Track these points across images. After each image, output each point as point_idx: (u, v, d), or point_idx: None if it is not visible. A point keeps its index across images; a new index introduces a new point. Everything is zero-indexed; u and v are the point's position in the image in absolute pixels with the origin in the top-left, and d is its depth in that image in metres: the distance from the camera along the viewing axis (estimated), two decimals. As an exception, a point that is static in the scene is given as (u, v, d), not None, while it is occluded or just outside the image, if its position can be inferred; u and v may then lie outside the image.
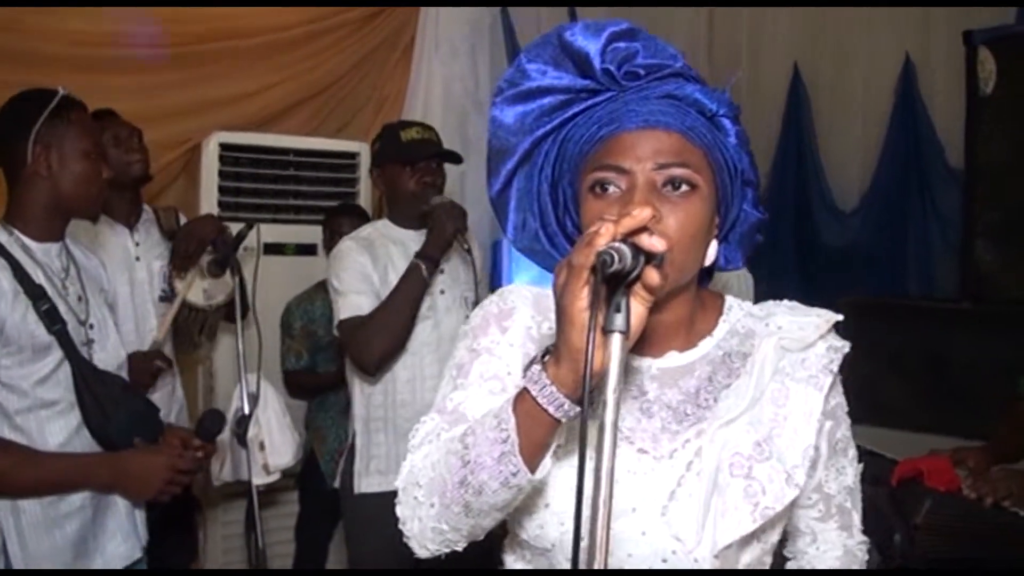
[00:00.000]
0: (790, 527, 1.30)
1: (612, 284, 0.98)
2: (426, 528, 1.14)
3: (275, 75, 3.71)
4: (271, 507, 3.58)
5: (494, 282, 4.29)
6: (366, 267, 2.71)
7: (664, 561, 1.15)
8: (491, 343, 1.27)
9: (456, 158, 2.88)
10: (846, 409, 1.28)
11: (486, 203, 4.10)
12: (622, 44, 1.16)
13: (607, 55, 1.16)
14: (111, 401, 2.12)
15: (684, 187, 1.14)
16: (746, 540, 1.15)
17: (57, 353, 2.05)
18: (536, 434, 1.05)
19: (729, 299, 1.32)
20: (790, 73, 5.21)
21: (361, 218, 3.53)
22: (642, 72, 1.16)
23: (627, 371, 1.23)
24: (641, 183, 1.13)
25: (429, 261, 2.63)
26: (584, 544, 1.09)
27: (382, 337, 2.64)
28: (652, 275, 0.98)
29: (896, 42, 4.93)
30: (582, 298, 0.97)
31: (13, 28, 3.13)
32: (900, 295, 4.69)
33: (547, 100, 1.21)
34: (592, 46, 1.15)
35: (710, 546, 1.13)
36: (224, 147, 3.56)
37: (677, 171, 1.14)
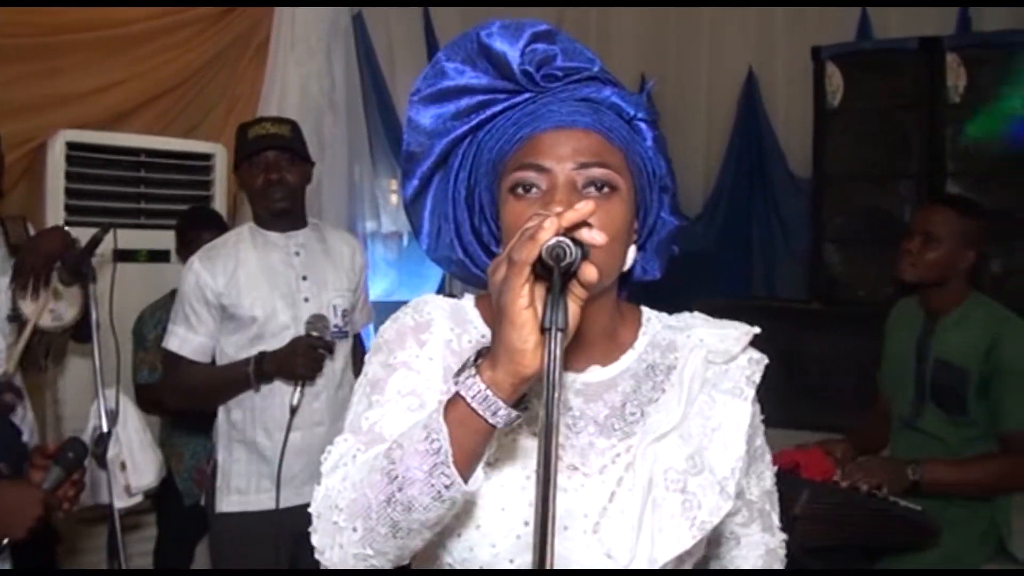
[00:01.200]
0: (714, 533, 1.27)
1: (554, 280, 0.94)
2: (347, 555, 1.04)
3: (124, 71, 3.51)
4: (133, 531, 3.36)
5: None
6: (204, 285, 2.64)
7: None
8: (409, 357, 1.20)
9: (297, 152, 2.72)
10: (761, 417, 1.29)
11: (340, 209, 4.02)
12: (541, 46, 1.14)
13: (526, 56, 1.13)
14: None
15: (605, 188, 1.12)
16: (682, 555, 1.14)
17: None
18: (470, 443, 0.99)
19: (646, 310, 1.30)
20: (636, 83, 5.36)
21: (218, 226, 3.36)
22: (560, 74, 1.14)
23: None
24: (562, 182, 1.11)
25: (263, 377, 2.60)
26: (522, 561, 1.10)
27: (183, 401, 2.86)
28: (590, 270, 0.96)
29: (739, 54, 5.16)
30: (524, 296, 0.93)
31: None
32: (748, 297, 4.88)
33: (464, 100, 1.18)
34: (511, 47, 1.13)
35: (646, 563, 1.10)
36: (71, 146, 3.33)
37: (597, 171, 1.12)
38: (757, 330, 1.25)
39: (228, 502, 2.66)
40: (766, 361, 1.25)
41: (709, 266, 5.29)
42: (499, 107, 1.17)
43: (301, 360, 2.56)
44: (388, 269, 4.84)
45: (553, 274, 0.94)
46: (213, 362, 2.71)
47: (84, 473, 2.13)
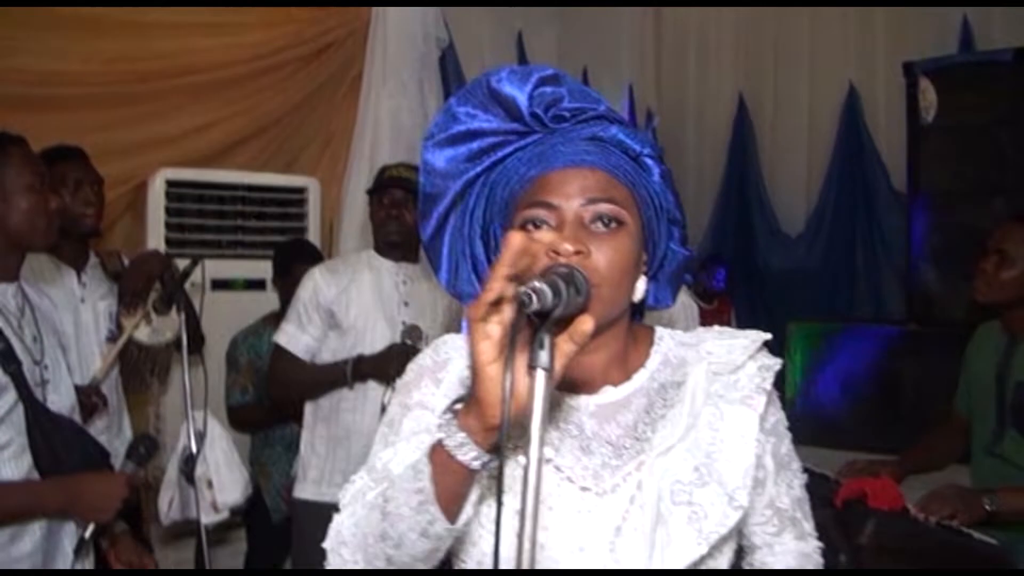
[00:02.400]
0: (746, 544, 1.30)
1: (539, 321, 0.98)
2: None
3: (222, 111, 3.70)
4: (220, 545, 3.53)
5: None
6: (320, 292, 2.92)
7: None
8: (424, 396, 1.26)
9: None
10: (786, 424, 1.29)
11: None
12: (548, 89, 1.19)
13: (534, 99, 1.19)
14: (63, 445, 2.08)
15: (612, 223, 1.16)
16: (695, 567, 1.16)
17: (12, 394, 2.01)
18: (451, 483, 1.04)
19: (659, 330, 1.32)
20: (736, 101, 5.32)
21: (312, 259, 3.51)
22: (568, 115, 1.19)
23: (565, 410, 1.24)
24: (570, 219, 1.16)
25: (359, 376, 2.85)
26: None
27: (280, 391, 3.08)
28: (587, 323, 0.99)
29: (839, 71, 5.06)
30: (486, 352, 0.98)
31: (-44, 69, 3.11)
32: (846, 317, 4.76)
33: (476, 143, 1.23)
34: (520, 91, 1.18)
35: None
36: (170, 183, 3.55)
37: (604, 207, 1.16)
38: (767, 336, 1.26)
39: (302, 489, 2.95)
40: (778, 366, 1.25)
41: (811, 285, 5.20)
42: (510, 148, 1.23)
43: (395, 364, 2.72)
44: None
45: (516, 318, 0.96)
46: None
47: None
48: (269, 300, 3.63)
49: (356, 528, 1.13)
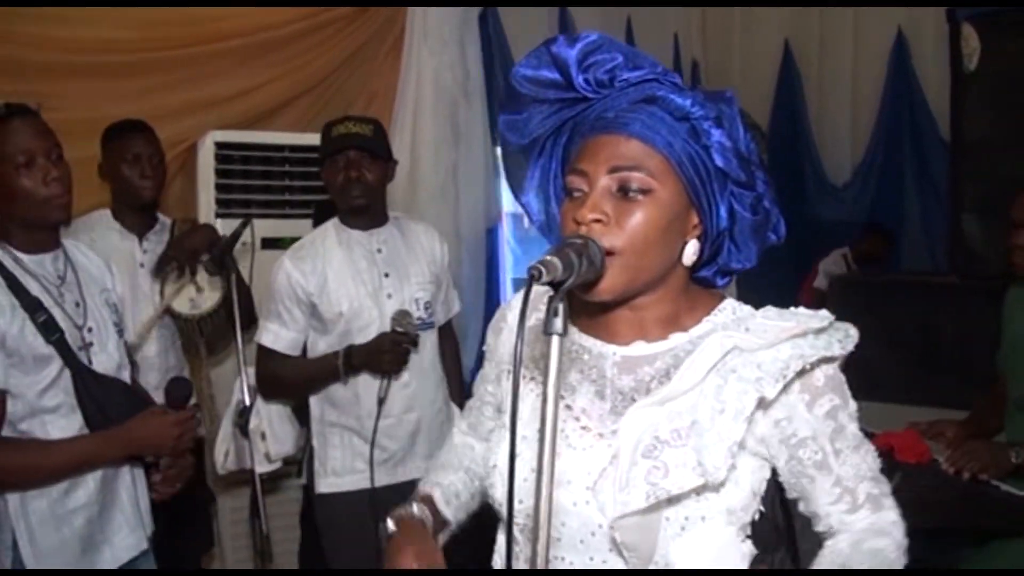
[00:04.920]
0: (824, 527, 1.31)
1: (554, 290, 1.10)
2: None
3: (266, 73, 3.76)
4: (275, 493, 3.67)
5: (490, 270, 4.38)
6: (296, 285, 2.78)
7: (592, 535, 1.25)
8: (487, 348, 1.52)
9: (376, 152, 2.79)
10: (851, 410, 1.27)
11: (478, 193, 4.15)
12: (601, 55, 1.24)
13: (587, 66, 1.25)
14: (113, 405, 2.17)
15: (636, 191, 1.21)
16: (650, 520, 1.20)
17: (57, 362, 2.10)
18: None
19: (727, 302, 1.33)
20: (781, 50, 5.26)
21: None
22: (620, 79, 1.25)
23: (593, 356, 1.34)
24: (597, 187, 1.22)
25: (351, 369, 2.74)
26: (525, 506, 1.25)
27: (274, 392, 2.96)
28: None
29: (887, 17, 4.97)
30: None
31: (4, 38, 3.20)
32: (889, 270, 4.74)
33: (544, 107, 1.31)
34: (572, 58, 1.24)
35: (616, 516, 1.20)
36: (219, 145, 3.62)
37: (629, 175, 1.21)
38: (819, 323, 1.23)
39: (326, 483, 2.87)
40: (818, 356, 1.21)
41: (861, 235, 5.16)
42: (574, 111, 1.30)
43: (387, 356, 2.69)
44: (528, 246, 5.03)
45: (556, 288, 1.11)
46: (304, 354, 2.88)
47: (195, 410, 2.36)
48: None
49: None
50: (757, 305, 1.31)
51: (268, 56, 3.74)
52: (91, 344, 2.20)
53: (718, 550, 1.24)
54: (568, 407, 1.31)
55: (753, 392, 1.20)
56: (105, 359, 2.23)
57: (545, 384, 1.09)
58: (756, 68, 5.37)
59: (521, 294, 1.41)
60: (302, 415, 3.58)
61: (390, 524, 1.38)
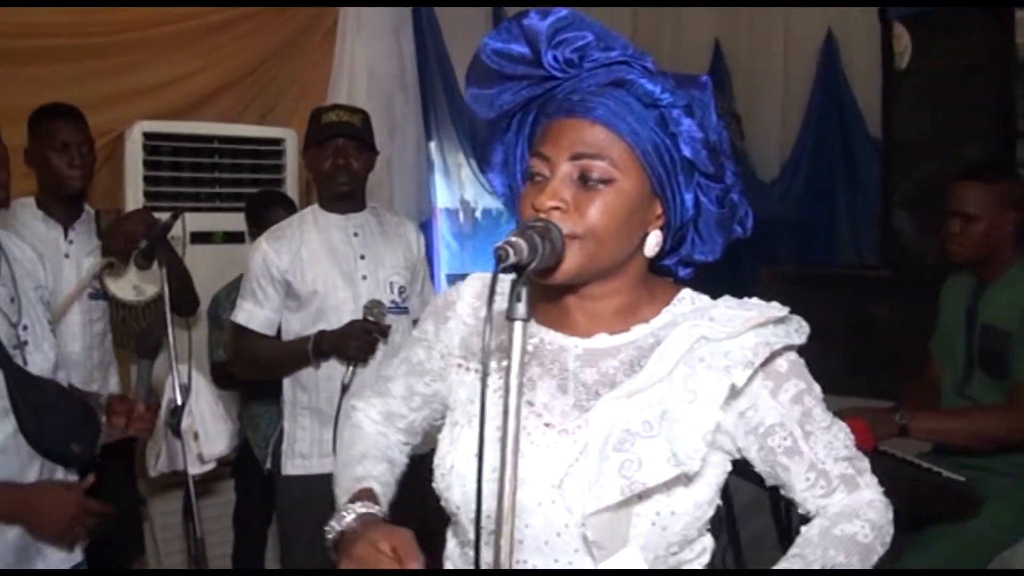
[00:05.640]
0: (803, 512, 1.30)
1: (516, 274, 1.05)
2: None
3: (196, 62, 3.66)
4: (208, 496, 3.57)
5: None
6: (271, 263, 2.79)
7: (558, 535, 1.20)
8: (423, 334, 1.43)
9: (365, 141, 2.86)
10: (815, 393, 1.27)
11: (412, 187, 4.09)
12: (571, 33, 1.20)
13: (557, 43, 1.20)
14: (45, 406, 2.06)
15: (597, 181, 1.17)
16: (621, 517, 1.17)
17: None
18: None
19: (684, 292, 1.32)
20: (711, 48, 5.31)
21: (285, 206, 3.52)
22: (590, 60, 1.20)
23: (554, 349, 1.29)
24: (558, 173, 1.18)
25: (321, 354, 2.75)
26: (486, 507, 1.15)
27: (248, 372, 3.03)
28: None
29: (817, 17, 5.05)
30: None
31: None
32: (822, 264, 4.81)
33: (511, 84, 1.26)
34: (543, 34, 1.19)
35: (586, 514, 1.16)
36: (147, 136, 3.51)
37: (591, 163, 1.17)
38: (780, 313, 1.23)
39: (292, 466, 2.86)
40: (783, 343, 1.21)
41: (790, 232, 5.22)
42: (541, 89, 1.25)
43: (355, 343, 2.69)
44: (464, 242, 4.97)
45: (519, 272, 1.06)
46: (278, 335, 2.88)
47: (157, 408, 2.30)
48: (248, 252, 3.63)
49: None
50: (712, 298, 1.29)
51: (198, 44, 3.65)
52: (26, 343, 2.08)
53: (683, 545, 1.23)
54: (530, 403, 1.25)
55: (724, 379, 1.18)
56: (40, 359, 2.11)
57: (507, 375, 1.04)
58: (686, 67, 5.40)
59: (467, 281, 1.40)
60: (249, 408, 3.54)
61: (349, 522, 1.30)
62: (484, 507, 1.15)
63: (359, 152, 2.81)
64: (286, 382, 2.89)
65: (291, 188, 3.82)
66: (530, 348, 1.29)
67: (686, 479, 1.18)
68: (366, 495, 1.36)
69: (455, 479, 1.25)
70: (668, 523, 1.18)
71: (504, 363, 1.08)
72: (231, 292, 3.54)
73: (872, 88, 4.63)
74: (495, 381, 1.24)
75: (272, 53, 3.90)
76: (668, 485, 1.17)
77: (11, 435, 2.02)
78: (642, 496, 1.16)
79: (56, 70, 3.32)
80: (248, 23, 3.77)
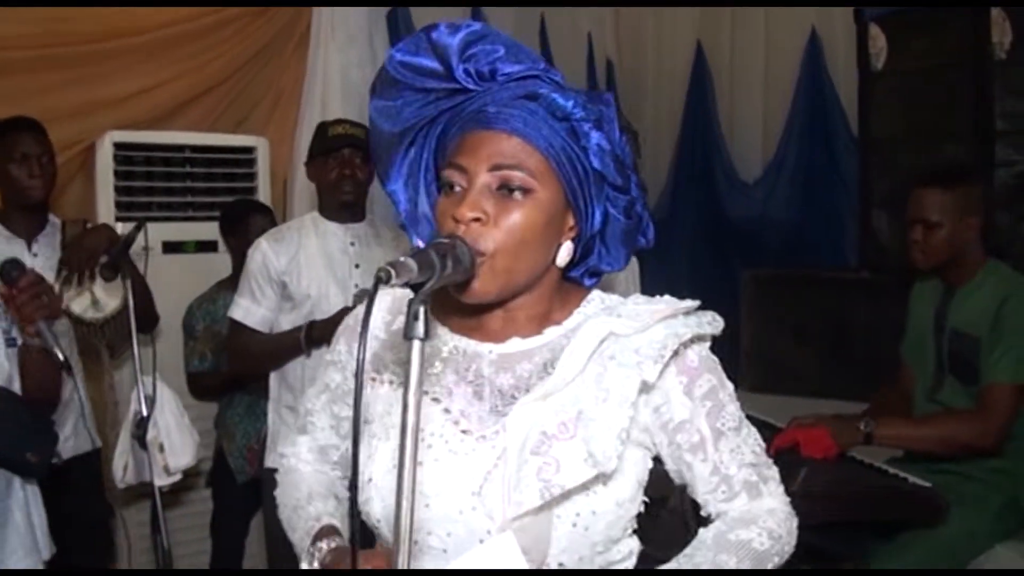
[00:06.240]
0: (705, 514, 1.31)
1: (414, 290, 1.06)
2: None
3: (167, 71, 3.64)
4: (178, 507, 3.57)
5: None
6: (270, 264, 2.88)
7: (481, 541, 1.19)
8: (338, 355, 1.40)
9: (368, 153, 2.86)
10: (729, 391, 1.28)
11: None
12: (483, 46, 1.19)
13: (468, 56, 1.19)
14: None
15: (517, 192, 1.18)
16: (542, 520, 1.17)
17: None
18: None
19: (593, 294, 1.34)
20: (694, 49, 5.29)
21: (264, 214, 3.53)
22: (502, 73, 1.20)
23: (468, 356, 1.29)
24: (476, 184, 1.18)
25: (312, 343, 2.82)
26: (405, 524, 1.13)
27: (242, 365, 3.11)
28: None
29: (799, 18, 5.01)
30: None
31: None
32: (801, 265, 4.78)
33: (419, 96, 1.24)
34: (453, 48, 1.19)
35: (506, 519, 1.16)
36: (118, 146, 3.52)
37: (510, 174, 1.18)
38: (689, 305, 1.26)
39: (272, 459, 2.90)
40: (691, 333, 1.23)
41: (774, 233, 5.19)
42: (451, 103, 1.24)
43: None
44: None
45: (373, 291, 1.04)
46: None
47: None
48: (221, 261, 3.64)
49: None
50: (695, 299, 1.30)
51: (169, 53, 3.62)
52: None
53: (608, 545, 1.22)
54: (447, 411, 1.26)
55: (635, 376, 1.19)
56: None
57: (405, 392, 1.04)
58: (669, 67, 5.40)
59: (379, 296, 1.36)
60: (224, 418, 3.54)
61: (322, 558, 1.31)
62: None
63: (364, 163, 2.90)
64: (273, 379, 2.98)
65: (264, 195, 3.83)
66: (444, 355, 1.30)
67: (604, 478, 1.18)
68: (329, 532, 1.35)
69: (374, 492, 1.24)
70: (590, 523, 1.18)
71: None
72: (203, 303, 3.56)
73: (855, 88, 4.59)
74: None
75: (246, 61, 3.88)
76: (587, 485, 1.17)
77: None
78: (562, 497, 1.16)
79: (22, 81, 3.32)
80: (220, 32, 3.76)
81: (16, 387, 2.21)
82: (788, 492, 2.30)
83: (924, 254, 2.72)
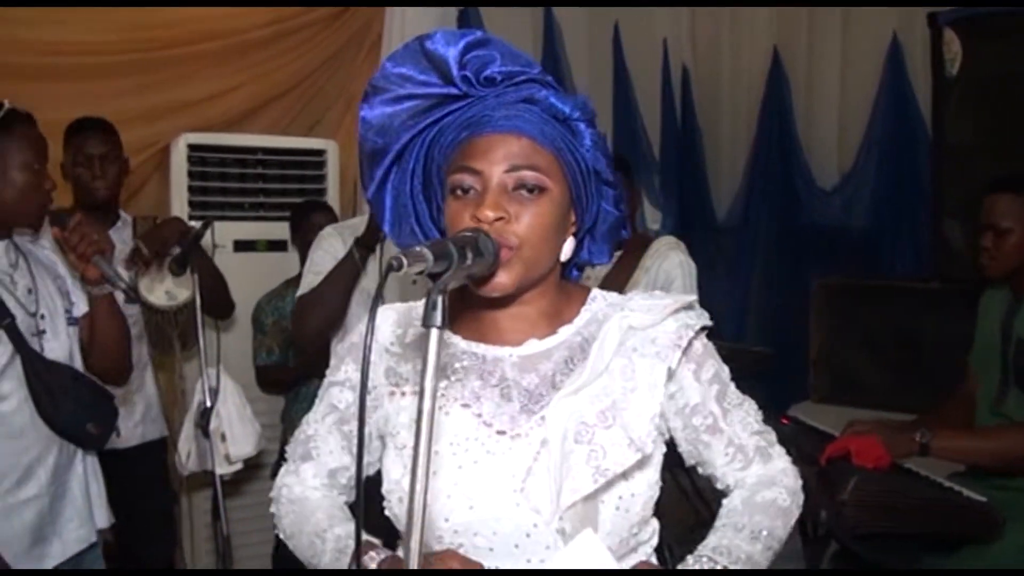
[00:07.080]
0: (722, 486, 1.43)
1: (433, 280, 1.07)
2: None
3: (241, 76, 3.76)
4: (238, 496, 3.66)
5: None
6: (337, 253, 2.83)
7: (528, 536, 1.23)
8: (344, 376, 1.41)
9: None
10: (727, 372, 1.39)
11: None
12: (479, 52, 1.24)
13: (465, 63, 1.24)
14: (61, 390, 2.19)
15: (534, 189, 1.23)
16: (589, 507, 1.22)
17: (8, 347, 2.12)
18: None
19: (594, 291, 1.40)
20: (770, 56, 5.22)
21: (325, 212, 3.61)
22: (499, 78, 1.25)
23: (490, 362, 1.33)
24: (493, 185, 1.23)
25: (363, 248, 2.71)
26: (450, 524, 1.24)
27: (313, 312, 2.81)
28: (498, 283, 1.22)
29: (880, 22, 4.91)
30: None
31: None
32: (873, 275, 4.67)
33: (412, 104, 1.29)
34: (451, 54, 1.23)
35: (560, 510, 1.21)
36: (192, 147, 3.64)
37: (526, 174, 1.23)
38: (689, 299, 1.36)
39: None
40: (700, 324, 1.34)
41: (850, 241, 5.09)
42: (444, 111, 1.28)
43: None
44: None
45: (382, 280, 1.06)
46: None
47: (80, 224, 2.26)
48: (291, 260, 3.73)
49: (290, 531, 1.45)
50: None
51: (243, 59, 3.74)
52: (43, 331, 2.23)
53: (641, 526, 1.30)
54: (477, 415, 1.30)
55: (660, 364, 1.29)
56: (57, 346, 2.26)
57: (422, 379, 1.05)
58: (745, 73, 5.33)
59: (381, 314, 1.39)
60: (290, 412, 3.62)
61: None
62: (450, 524, 1.24)
63: None
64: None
65: (332, 197, 3.91)
66: (465, 363, 1.33)
67: (640, 462, 1.25)
68: (370, 546, 1.31)
69: (393, 487, 1.30)
70: (630, 505, 1.26)
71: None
72: (272, 299, 3.65)
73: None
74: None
75: (318, 67, 3.97)
76: (627, 470, 1.24)
77: (29, 419, 2.17)
78: (606, 484, 1.22)
79: (98, 86, 3.46)
80: (294, 37, 3.85)
81: (78, 363, 2.34)
82: (838, 501, 2.31)
83: (994, 261, 2.65)
